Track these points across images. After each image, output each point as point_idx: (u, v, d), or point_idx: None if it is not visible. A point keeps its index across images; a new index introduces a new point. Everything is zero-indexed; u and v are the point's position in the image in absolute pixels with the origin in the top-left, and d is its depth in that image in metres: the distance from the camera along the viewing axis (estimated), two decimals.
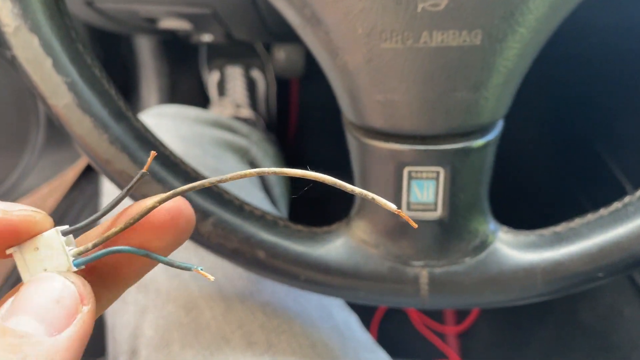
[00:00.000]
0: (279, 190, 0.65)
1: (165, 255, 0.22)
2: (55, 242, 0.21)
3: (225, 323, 0.45)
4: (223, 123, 0.67)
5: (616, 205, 0.36)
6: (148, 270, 0.23)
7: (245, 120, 1.08)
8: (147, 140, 0.37)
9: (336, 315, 0.49)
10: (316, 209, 0.96)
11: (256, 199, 0.56)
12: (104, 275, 0.22)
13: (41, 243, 0.21)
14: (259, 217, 0.39)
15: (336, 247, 0.39)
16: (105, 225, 0.23)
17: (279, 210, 0.63)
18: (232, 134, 0.66)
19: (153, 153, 0.22)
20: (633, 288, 0.77)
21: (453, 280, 0.38)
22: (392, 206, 0.20)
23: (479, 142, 0.35)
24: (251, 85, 1.15)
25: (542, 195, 0.96)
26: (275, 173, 0.21)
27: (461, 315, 0.98)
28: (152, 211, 0.21)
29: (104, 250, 0.21)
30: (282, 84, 1.18)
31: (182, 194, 0.21)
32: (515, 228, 0.39)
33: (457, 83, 0.33)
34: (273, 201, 0.62)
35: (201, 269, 0.21)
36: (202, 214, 0.37)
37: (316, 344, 0.45)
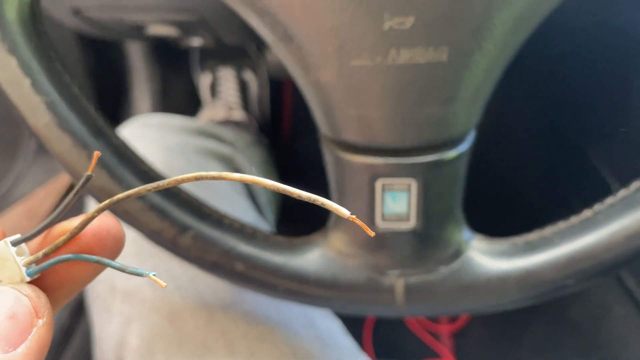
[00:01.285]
0: (265, 198, 0.66)
1: (95, 274, 0.23)
2: (6, 252, 0.21)
3: (208, 332, 0.45)
4: (208, 131, 0.68)
5: (586, 213, 0.37)
6: (95, 276, 0.23)
7: (237, 123, 1.08)
8: (126, 156, 0.37)
9: (319, 323, 0.49)
10: (307, 213, 0.97)
11: (241, 207, 0.57)
12: (54, 281, 0.22)
13: None
14: (237, 230, 0.39)
15: (314, 257, 0.39)
16: (52, 233, 0.23)
17: (265, 218, 0.64)
18: (217, 142, 0.66)
19: (97, 153, 0.22)
20: (622, 287, 0.78)
21: (428, 288, 0.38)
22: (344, 211, 0.19)
23: (450, 154, 0.36)
24: (243, 87, 1.16)
25: (533, 197, 0.97)
26: (214, 178, 0.20)
27: (454, 315, 0.99)
28: (81, 232, 0.22)
29: (56, 258, 0.22)
30: (275, 85, 1.18)
31: (118, 201, 0.21)
32: (505, 230, 0.40)
33: (427, 98, 0.33)
34: (259, 209, 0.63)
35: (154, 275, 0.21)
36: (181, 228, 0.38)
37: (298, 352, 0.45)
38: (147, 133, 0.61)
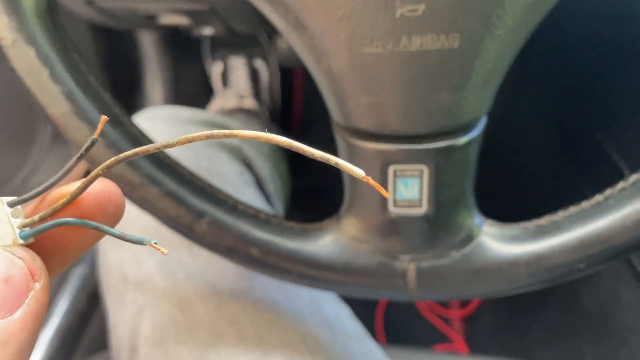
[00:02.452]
0: (272, 187, 0.66)
1: (95, 243, 0.22)
2: (1, 213, 0.20)
3: (218, 320, 0.46)
4: (216, 122, 0.68)
5: (597, 198, 0.37)
6: (92, 244, 0.22)
7: (248, 111, 1.09)
8: (142, 143, 0.38)
9: (326, 308, 0.50)
10: (316, 199, 0.97)
11: (248, 196, 0.58)
12: (51, 247, 0.21)
13: None
14: (252, 216, 0.40)
15: (327, 243, 0.40)
16: (50, 198, 0.21)
17: (274, 207, 0.64)
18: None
19: (104, 118, 0.21)
20: (632, 273, 0.78)
21: (440, 273, 0.39)
22: (359, 172, 0.19)
23: (461, 140, 0.36)
24: (254, 76, 1.16)
25: (545, 183, 0.97)
26: (225, 136, 0.20)
27: (466, 300, 1.00)
28: (80, 196, 0.21)
29: (53, 221, 0.20)
30: (286, 74, 1.18)
31: (125, 160, 0.20)
32: (517, 216, 0.41)
33: (438, 85, 0.34)
34: (267, 198, 0.64)
35: (155, 243, 0.20)
36: (197, 214, 0.39)
37: (306, 338, 0.46)
38: (155, 126, 0.61)
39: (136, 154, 0.20)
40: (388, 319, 0.99)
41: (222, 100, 1.12)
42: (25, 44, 0.35)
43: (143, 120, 0.64)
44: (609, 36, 0.76)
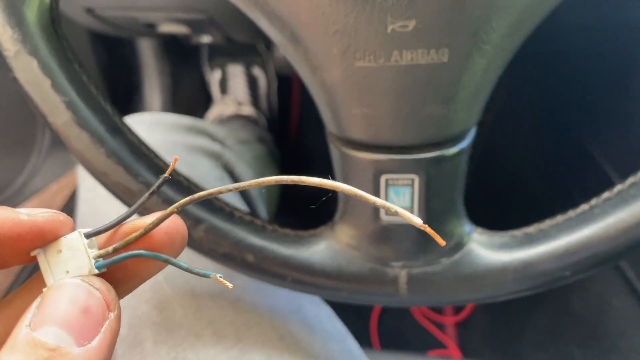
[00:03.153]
0: (256, 192, 0.67)
1: (156, 273, 0.24)
2: (78, 243, 0.21)
3: (196, 321, 0.47)
4: (198, 128, 0.69)
5: (583, 207, 0.38)
6: (156, 273, 0.24)
7: (246, 118, 1.10)
8: (141, 152, 0.39)
9: (306, 308, 0.51)
10: (310, 206, 0.98)
11: (230, 201, 0.59)
12: (120, 276, 0.23)
13: (64, 245, 0.21)
14: (248, 223, 0.41)
15: (321, 250, 0.41)
16: (123, 231, 0.23)
17: (258, 212, 0.65)
18: (206, 139, 0.67)
19: (175, 158, 0.23)
20: (622, 279, 0.79)
21: (430, 279, 0.40)
22: (417, 220, 0.22)
23: (451, 151, 0.37)
24: (253, 83, 1.17)
25: (536, 191, 0.98)
26: (293, 182, 0.22)
27: (459, 306, 1.01)
28: (152, 231, 0.22)
29: (127, 253, 0.22)
30: (283, 81, 1.20)
31: (198, 200, 0.22)
32: (507, 224, 0.42)
33: (428, 98, 0.35)
34: (249, 203, 0.64)
35: (220, 276, 0.21)
36: (194, 221, 0.40)
37: (284, 337, 0.47)
38: (138, 132, 0.62)
39: (210, 194, 0.22)
40: (382, 325, 1.00)
41: (221, 107, 1.13)
42: (28, 55, 0.36)
43: None
44: (600, 47, 0.77)
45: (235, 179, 0.65)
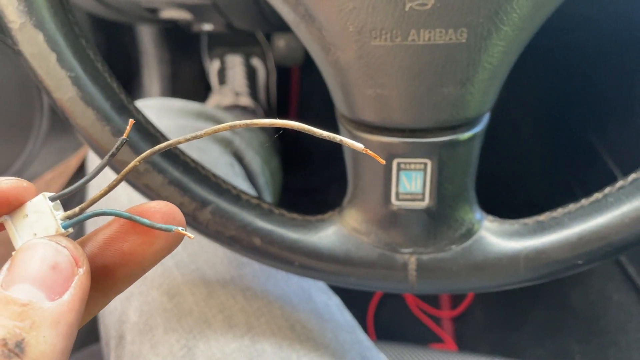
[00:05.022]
0: (263, 180, 0.66)
1: (156, 263, 0.23)
2: (43, 206, 0.22)
3: (207, 308, 0.46)
4: (207, 114, 0.68)
5: (596, 195, 0.38)
6: (139, 276, 0.24)
7: (244, 109, 1.09)
8: (148, 132, 0.38)
9: (316, 298, 0.50)
10: (308, 199, 0.98)
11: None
12: (97, 279, 0.23)
13: (29, 209, 0.22)
14: (255, 206, 0.40)
15: (329, 234, 0.40)
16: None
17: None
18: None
19: (131, 121, 0.23)
20: (622, 274, 0.79)
21: (440, 266, 0.39)
22: (358, 146, 0.21)
23: (465, 135, 0.37)
24: (251, 74, 1.16)
25: (536, 183, 0.98)
26: (246, 125, 0.22)
27: (456, 299, 1.00)
28: (150, 211, 0.22)
29: (90, 212, 0.22)
30: (283, 72, 1.19)
31: (159, 151, 0.22)
32: (508, 215, 0.41)
33: (444, 79, 0.34)
34: (257, 191, 0.64)
35: (182, 229, 0.22)
36: (201, 203, 0.39)
37: (295, 326, 0.47)
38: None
39: (170, 145, 0.22)
40: (378, 318, 1.00)
41: (219, 97, 1.12)
42: (34, 28, 0.35)
43: None
44: (606, 41, 0.77)
45: (244, 165, 0.64)
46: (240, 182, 0.60)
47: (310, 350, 0.46)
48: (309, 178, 1.09)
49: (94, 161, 0.64)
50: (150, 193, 0.39)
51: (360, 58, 0.34)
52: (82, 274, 0.20)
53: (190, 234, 0.22)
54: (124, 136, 0.22)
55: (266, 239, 0.39)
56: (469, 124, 0.37)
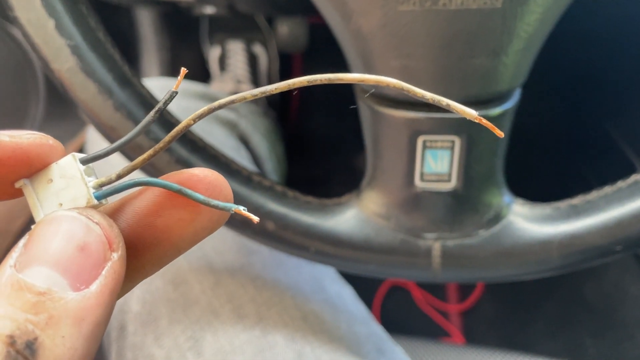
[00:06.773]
0: (269, 166, 0.64)
1: (193, 244, 0.19)
2: (73, 170, 0.17)
3: (214, 297, 0.44)
4: (211, 95, 0.66)
5: (635, 177, 0.35)
6: (172, 259, 0.19)
7: None
8: (151, 105, 0.35)
9: (329, 287, 0.48)
10: (313, 189, 0.95)
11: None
12: (146, 240, 0.19)
13: (55, 173, 0.17)
14: (267, 188, 0.38)
15: (347, 219, 0.38)
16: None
17: None
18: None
19: (184, 70, 0.18)
20: (639, 266, 0.76)
21: (466, 253, 0.37)
22: (471, 112, 0.18)
23: (496, 111, 0.34)
24: (253, 61, 1.13)
25: (550, 171, 0.95)
26: (329, 80, 0.18)
27: (464, 293, 0.98)
28: (191, 188, 0.18)
29: (129, 181, 0.18)
30: (285, 59, 1.16)
31: (220, 108, 0.17)
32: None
33: (476, 48, 0.31)
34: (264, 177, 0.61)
35: (243, 209, 0.17)
36: None
37: (308, 316, 0.44)
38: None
39: (232, 101, 0.17)
40: (385, 312, 0.97)
41: (219, 84, 1.09)
42: None
43: None
44: (623, 28, 0.75)
45: (251, 149, 0.61)
46: (248, 167, 0.57)
47: (324, 343, 0.43)
48: (311, 168, 1.06)
49: (91, 149, 0.61)
50: (156, 173, 0.36)
51: (385, 26, 0.32)
52: (115, 259, 0.16)
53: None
54: (174, 89, 0.18)
55: (280, 223, 0.37)
56: (500, 98, 0.34)
